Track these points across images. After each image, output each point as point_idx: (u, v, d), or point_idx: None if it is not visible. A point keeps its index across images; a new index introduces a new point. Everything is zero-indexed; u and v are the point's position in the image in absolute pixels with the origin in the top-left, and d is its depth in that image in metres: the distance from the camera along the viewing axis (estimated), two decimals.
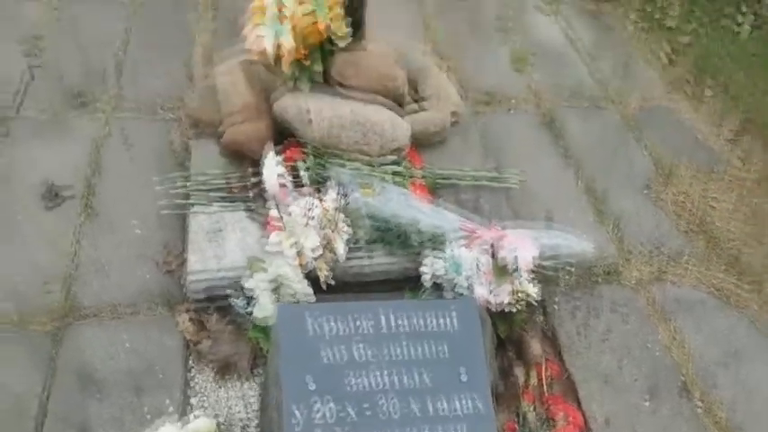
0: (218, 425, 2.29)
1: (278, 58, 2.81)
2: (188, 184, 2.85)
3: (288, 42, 2.74)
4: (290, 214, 2.51)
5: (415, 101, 3.27)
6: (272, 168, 2.71)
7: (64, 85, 3.48)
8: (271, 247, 2.48)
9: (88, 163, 3.11)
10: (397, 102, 3.02)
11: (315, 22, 2.73)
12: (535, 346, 2.65)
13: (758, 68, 4.23)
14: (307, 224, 2.46)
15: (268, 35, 2.75)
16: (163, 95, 3.50)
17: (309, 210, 2.48)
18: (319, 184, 2.74)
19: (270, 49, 2.74)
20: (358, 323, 2.22)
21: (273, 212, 2.55)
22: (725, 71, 4.23)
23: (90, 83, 3.52)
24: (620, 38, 4.55)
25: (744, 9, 4.48)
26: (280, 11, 2.72)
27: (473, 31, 4.31)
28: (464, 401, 2.19)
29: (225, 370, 2.49)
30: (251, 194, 2.79)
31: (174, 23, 3.98)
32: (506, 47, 4.22)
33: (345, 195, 2.62)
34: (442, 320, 2.29)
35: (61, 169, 3.05)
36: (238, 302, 2.48)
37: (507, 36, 4.31)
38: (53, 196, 2.94)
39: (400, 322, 2.25)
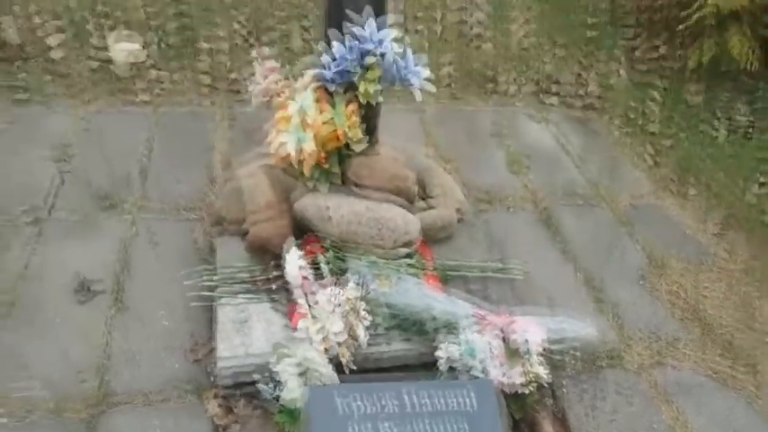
0: None
1: (299, 162, 3.07)
2: (214, 277, 3.04)
3: (309, 148, 3.00)
4: (316, 302, 2.69)
5: (423, 199, 3.53)
6: (295, 262, 2.91)
7: (92, 189, 3.70)
8: (299, 333, 2.65)
9: (117, 260, 3.30)
10: (407, 200, 3.26)
11: (334, 130, 3.01)
12: (547, 427, 2.78)
13: (736, 169, 4.54)
14: (333, 311, 2.64)
15: (291, 141, 3.02)
16: (185, 197, 3.73)
17: (335, 297, 2.67)
18: (338, 276, 2.94)
19: (294, 153, 3.00)
20: (383, 402, 2.37)
21: (301, 301, 2.74)
22: (706, 171, 4.54)
23: (117, 187, 3.75)
24: (607, 142, 4.90)
25: (719, 115, 4.86)
26: (302, 120, 3.01)
27: (470, 137, 4.64)
28: None
29: None
30: (274, 287, 2.98)
31: (193, 133, 4.27)
32: (502, 151, 4.54)
33: (365, 285, 2.81)
34: (461, 400, 2.45)
35: (92, 266, 3.23)
36: (266, 387, 2.61)
37: (502, 141, 4.64)
38: (85, 291, 3.11)
39: (423, 401, 2.40)
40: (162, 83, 4.64)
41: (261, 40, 4.99)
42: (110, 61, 4.66)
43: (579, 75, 5.33)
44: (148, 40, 4.80)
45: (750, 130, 4.76)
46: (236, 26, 5.03)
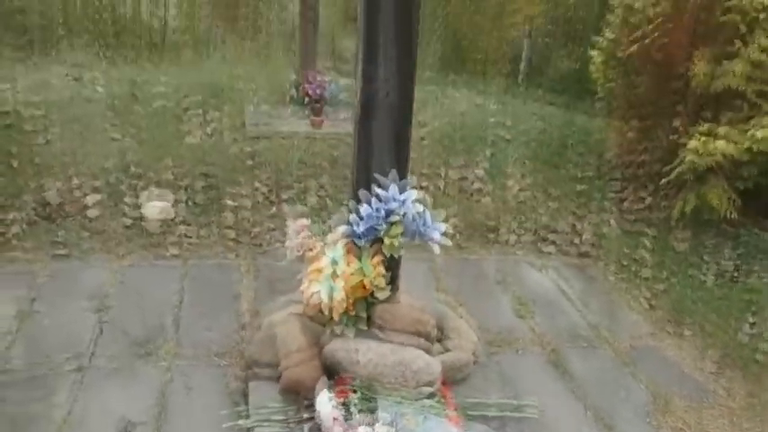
0: None
1: (330, 309, 3.36)
2: (249, 419, 3.25)
3: (339, 296, 3.32)
4: None
5: (439, 341, 3.80)
6: (326, 403, 3.14)
7: (129, 338, 3.97)
8: None
9: (155, 405, 3.50)
10: (428, 342, 3.53)
11: (361, 280, 3.33)
12: None
13: (726, 310, 4.84)
14: None
15: (324, 291, 3.33)
16: (216, 344, 3.99)
17: None
18: (369, 414, 3.15)
19: (326, 301, 3.31)
20: None
21: None
22: (698, 314, 4.85)
23: (152, 335, 4.01)
24: (604, 287, 5.24)
25: (706, 260, 5.22)
26: (333, 271, 3.34)
27: (477, 284, 4.98)
28: None
29: None
30: (307, 428, 3.19)
31: (220, 283, 4.60)
32: (507, 296, 4.86)
33: (395, 424, 3.02)
34: None
35: (131, 411, 3.43)
36: None
37: (507, 288, 4.97)
38: None
39: None
40: (190, 237, 5.02)
41: (280, 197, 5.42)
42: (142, 218, 5.06)
43: (573, 225, 5.76)
44: (178, 198, 5.22)
45: (736, 274, 5.10)
46: (258, 184, 5.47)
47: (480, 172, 5.99)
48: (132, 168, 5.34)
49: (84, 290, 4.35)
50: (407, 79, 3.21)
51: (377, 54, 3.11)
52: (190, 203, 5.23)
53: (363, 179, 3.33)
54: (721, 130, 4.95)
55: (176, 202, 5.20)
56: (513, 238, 5.64)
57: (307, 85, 6.11)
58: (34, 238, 4.77)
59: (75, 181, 5.18)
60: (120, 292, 4.38)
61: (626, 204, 5.91)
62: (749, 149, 4.78)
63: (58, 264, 4.61)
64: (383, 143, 3.27)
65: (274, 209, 5.33)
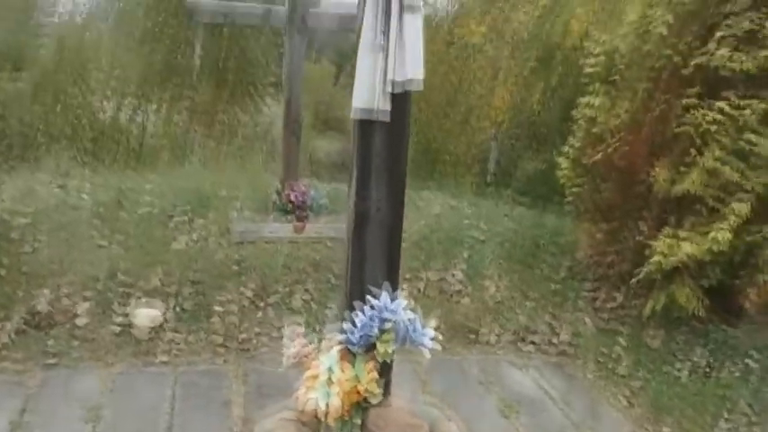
0: None
1: (325, 415, 3.47)
2: None
3: (334, 402, 3.43)
4: None
5: None
6: None
7: None
8: None
9: None
10: None
11: (355, 385, 3.46)
12: None
13: (701, 406, 5.02)
14: None
15: (320, 397, 3.44)
16: None
17: None
18: None
19: (322, 407, 3.42)
20: None
21: None
22: (675, 410, 5.01)
23: None
24: (583, 385, 5.40)
25: (680, 357, 5.44)
26: (329, 377, 3.46)
27: (462, 384, 5.11)
28: None
29: None
30: None
31: (210, 390, 4.66)
32: (492, 396, 4.99)
33: None
34: None
35: None
36: None
37: (491, 387, 5.10)
38: None
39: None
40: (179, 344, 5.10)
41: (266, 301, 5.54)
42: (131, 325, 5.13)
43: (550, 324, 5.95)
44: (166, 304, 5.31)
45: (708, 370, 5.31)
46: (243, 289, 5.59)
47: (459, 273, 6.21)
48: (120, 275, 5.45)
49: (74, 399, 4.38)
50: (398, 199, 3.45)
51: (369, 178, 3.35)
52: (178, 309, 5.32)
53: (357, 290, 3.50)
54: (684, 233, 5.26)
55: (165, 309, 5.29)
56: (493, 338, 5.81)
57: (290, 192, 6.35)
58: (23, 348, 4.81)
59: (64, 289, 5.26)
60: (110, 401, 4.42)
61: (599, 303, 6.16)
62: (710, 250, 5.07)
63: (48, 373, 4.64)
64: (375, 256, 3.47)
65: (261, 313, 5.45)
